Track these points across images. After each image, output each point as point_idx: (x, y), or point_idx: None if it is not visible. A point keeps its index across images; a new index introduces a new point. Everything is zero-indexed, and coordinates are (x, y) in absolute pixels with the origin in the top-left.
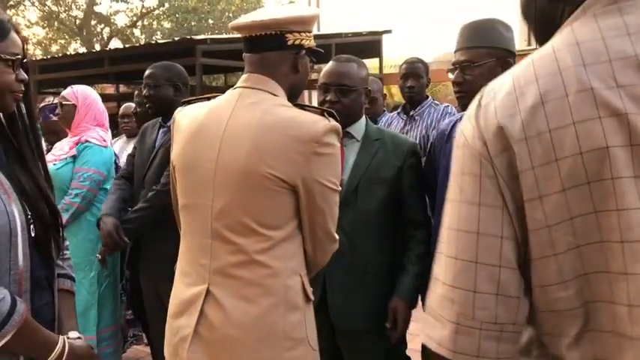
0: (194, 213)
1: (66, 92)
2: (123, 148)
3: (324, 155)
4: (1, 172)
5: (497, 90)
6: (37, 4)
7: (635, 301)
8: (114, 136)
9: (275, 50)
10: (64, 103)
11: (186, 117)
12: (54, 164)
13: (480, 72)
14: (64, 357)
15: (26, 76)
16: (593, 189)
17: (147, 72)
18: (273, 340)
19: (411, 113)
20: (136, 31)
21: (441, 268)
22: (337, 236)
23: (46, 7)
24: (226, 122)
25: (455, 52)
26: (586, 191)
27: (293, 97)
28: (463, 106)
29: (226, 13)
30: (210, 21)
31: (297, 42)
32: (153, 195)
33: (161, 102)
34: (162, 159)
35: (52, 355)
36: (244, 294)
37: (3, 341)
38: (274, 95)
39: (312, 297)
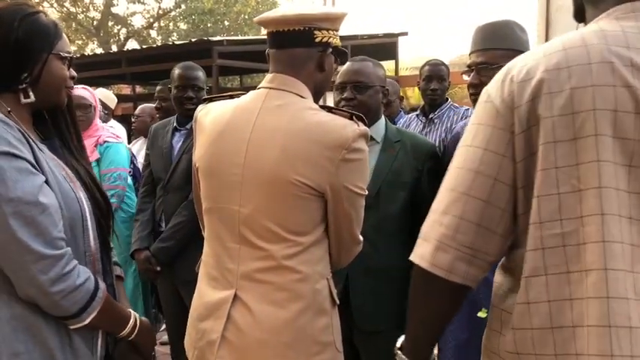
0: (221, 217)
1: (85, 94)
2: (141, 147)
3: (353, 161)
4: (62, 162)
5: (527, 58)
6: (55, 5)
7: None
8: (129, 135)
9: (302, 47)
10: (86, 104)
11: (210, 117)
12: None
13: (495, 74)
14: (136, 330)
15: (75, 74)
16: (599, 141)
17: (187, 72)
18: (301, 344)
19: (430, 116)
20: (153, 33)
21: (438, 201)
22: (362, 238)
23: (65, 8)
24: (253, 125)
25: (470, 53)
26: (592, 143)
27: (317, 96)
28: None
29: (242, 15)
30: (226, 22)
31: (324, 39)
32: (186, 208)
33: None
34: (187, 164)
35: (127, 328)
36: (273, 298)
37: (91, 317)
38: (301, 97)
39: (337, 300)
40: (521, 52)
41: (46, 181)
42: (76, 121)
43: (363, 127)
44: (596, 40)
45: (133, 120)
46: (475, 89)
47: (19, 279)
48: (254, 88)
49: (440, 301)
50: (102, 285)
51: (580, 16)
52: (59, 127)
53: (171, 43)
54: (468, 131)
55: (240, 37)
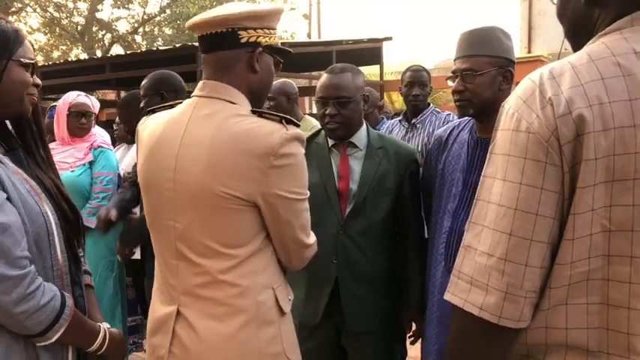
0: (160, 233)
1: (87, 102)
2: (123, 154)
3: (283, 167)
4: (27, 175)
5: (560, 81)
6: (38, 10)
7: None
8: (113, 142)
9: (228, 49)
10: (90, 112)
11: (147, 129)
12: (71, 171)
13: (482, 81)
14: (106, 343)
15: (40, 82)
16: (636, 185)
17: (143, 84)
18: (248, 358)
19: (413, 121)
20: (138, 38)
21: (486, 241)
22: (311, 240)
23: (48, 14)
24: (181, 138)
25: (455, 59)
26: (630, 186)
27: (257, 99)
28: (463, 113)
29: None
30: None
31: (251, 39)
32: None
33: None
34: None
35: (97, 342)
36: (213, 314)
37: (57, 335)
38: (232, 103)
39: (286, 310)
40: (507, 59)
41: (8, 198)
42: (42, 131)
43: (292, 131)
44: (633, 68)
45: (114, 127)
46: (460, 95)
47: None
48: None
49: (499, 349)
50: (69, 302)
51: (593, 2)
52: (24, 137)
53: (155, 49)
54: (509, 163)
55: None
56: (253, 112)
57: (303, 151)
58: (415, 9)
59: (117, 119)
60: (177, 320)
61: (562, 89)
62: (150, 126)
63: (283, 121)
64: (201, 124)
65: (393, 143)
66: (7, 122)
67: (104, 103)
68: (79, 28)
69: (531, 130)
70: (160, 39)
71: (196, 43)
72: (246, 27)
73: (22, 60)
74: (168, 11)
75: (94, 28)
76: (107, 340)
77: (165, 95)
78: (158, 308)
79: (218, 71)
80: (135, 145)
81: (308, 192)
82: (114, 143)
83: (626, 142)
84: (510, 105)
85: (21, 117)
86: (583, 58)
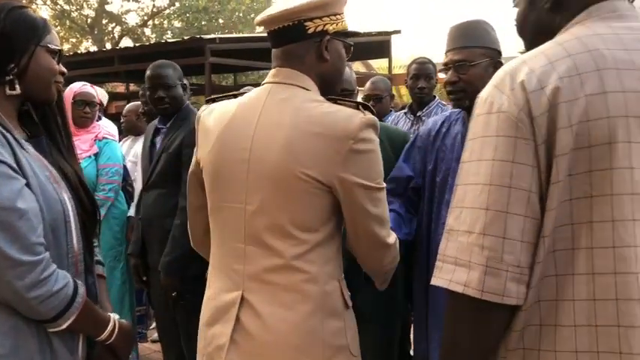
0: (225, 216)
1: (90, 92)
2: (130, 146)
3: (362, 152)
4: (48, 162)
5: (530, 64)
6: (48, 2)
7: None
8: (120, 133)
9: (297, 41)
10: (95, 101)
11: (213, 115)
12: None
13: (475, 71)
14: (115, 334)
15: (65, 70)
16: (614, 148)
17: (155, 72)
18: (312, 348)
19: (418, 114)
20: (147, 31)
21: (466, 220)
22: (391, 239)
23: (58, 6)
24: (257, 120)
25: (447, 52)
26: (606, 150)
27: (330, 86)
28: (458, 105)
29: (236, 13)
30: (221, 20)
31: (318, 29)
32: (178, 217)
33: (177, 102)
34: (165, 163)
35: (106, 332)
36: (281, 300)
37: (68, 322)
38: (306, 90)
39: (350, 303)
40: (496, 50)
41: (27, 184)
42: (66, 119)
43: (370, 116)
44: (597, 44)
45: (121, 120)
46: (454, 86)
47: None
48: (248, 85)
49: (492, 329)
50: (81, 290)
51: (558, 6)
52: (48, 125)
53: (164, 42)
54: (485, 144)
55: (232, 35)
56: (328, 99)
57: (378, 139)
58: (425, 2)
59: (124, 111)
60: (242, 306)
61: (533, 69)
62: (217, 111)
63: (360, 106)
64: (277, 107)
65: (384, 128)
66: (32, 110)
67: (113, 96)
68: (89, 20)
69: (502, 109)
70: (169, 32)
71: (205, 36)
72: (312, 17)
73: (49, 46)
74: (177, 4)
75: (104, 21)
76: (116, 331)
77: (186, 86)
78: (216, 297)
79: (289, 63)
80: (142, 137)
81: (384, 183)
82: (121, 135)
83: (598, 108)
84: (484, 93)
85: (47, 104)
86: (551, 44)
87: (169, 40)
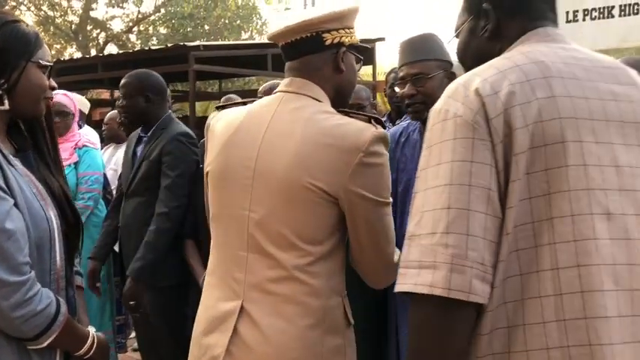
0: (228, 223)
1: (65, 101)
2: (112, 153)
3: (372, 166)
4: (35, 177)
5: (482, 74)
6: (32, 8)
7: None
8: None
9: (314, 53)
10: (66, 111)
11: (222, 121)
12: None
13: (433, 84)
14: (93, 348)
15: (56, 84)
16: (568, 147)
17: (122, 81)
18: None
19: (397, 122)
20: (132, 37)
21: (428, 223)
22: (396, 258)
23: (42, 12)
24: (266, 127)
25: (402, 66)
26: (560, 148)
27: (342, 98)
28: (418, 118)
29: (222, 20)
30: (206, 27)
31: (335, 40)
32: (154, 222)
33: (133, 112)
34: (145, 172)
35: (85, 346)
36: (281, 312)
37: (49, 340)
38: (318, 101)
39: (352, 321)
40: (448, 61)
41: (15, 203)
42: (54, 134)
43: (381, 131)
44: (538, 56)
45: (102, 128)
46: (412, 99)
47: None
48: (234, 92)
49: (459, 332)
50: (63, 308)
51: (496, 34)
52: (36, 138)
53: (147, 49)
54: (442, 149)
55: (217, 42)
56: (339, 111)
57: (388, 154)
58: (408, 11)
59: (105, 119)
60: (241, 317)
61: (485, 78)
62: (226, 118)
63: (372, 120)
64: (288, 117)
65: None
66: (20, 123)
67: (97, 103)
68: (74, 26)
69: (457, 114)
70: (154, 38)
71: (189, 43)
72: (330, 29)
73: (40, 62)
74: (162, 10)
75: (89, 27)
76: (95, 345)
77: (150, 97)
78: (213, 306)
79: (305, 75)
80: (124, 145)
81: (391, 198)
82: (102, 143)
83: (550, 109)
84: (438, 104)
85: (35, 119)
86: (498, 59)
87: (153, 48)
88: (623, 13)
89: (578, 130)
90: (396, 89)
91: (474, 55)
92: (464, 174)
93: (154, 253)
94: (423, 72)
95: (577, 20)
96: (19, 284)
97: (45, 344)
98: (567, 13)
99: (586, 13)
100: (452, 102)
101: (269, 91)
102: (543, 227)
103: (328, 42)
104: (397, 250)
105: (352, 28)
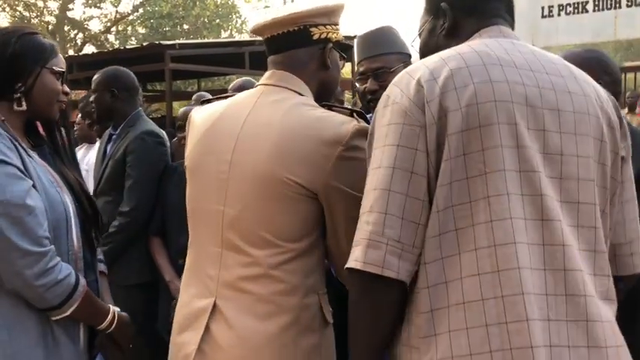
0: (203, 219)
1: None
2: (84, 154)
3: (352, 160)
4: (52, 168)
5: (425, 63)
6: (7, 9)
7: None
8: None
9: (301, 47)
10: None
11: (202, 114)
12: None
13: (394, 78)
14: (114, 324)
15: (69, 90)
16: (502, 129)
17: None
18: None
19: (369, 116)
20: (111, 37)
21: (363, 204)
22: None
23: (17, 13)
24: (244, 120)
25: (361, 61)
26: (495, 130)
27: (326, 94)
28: None
29: (201, 19)
30: (185, 26)
31: (323, 36)
32: (119, 217)
33: (98, 107)
34: (111, 171)
35: (106, 321)
36: (254, 310)
37: (70, 310)
38: (299, 94)
39: (329, 320)
40: (408, 54)
41: (33, 186)
42: (69, 133)
43: (363, 125)
44: (482, 47)
45: (75, 127)
46: (374, 95)
47: (6, 273)
48: (214, 91)
49: (379, 304)
50: (82, 281)
51: (453, 32)
52: (51, 136)
53: (123, 48)
54: (379, 133)
55: (193, 41)
56: (321, 105)
57: None
58: (384, 8)
59: (77, 119)
60: (213, 315)
61: (428, 66)
62: (206, 111)
63: (354, 114)
64: (268, 109)
65: None
66: (39, 123)
67: (73, 104)
68: (50, 27)
69: (396, 101)
70: (133, 38)
71: (164, 42)
72: (317, 23)
73: (54, 68)
74: (141, 10)
75: (66, 28)
76: (115, 321)
77: (116, 93)
78: (190, 302)
79: (289, 69)
80: (97, 144)
81: None
82: (75, 143)
83: (486, 93)
84: (386, 91)
85: (49, 120)
86: (447, 50)
87: (129, 47)
88: (597, 8)
89: (513, 112)
90: (357, 85)
91: (433, 52)
92: (391, 157)
93: (111, 245)
94: (385, 66)
95: (552, 15)
96: (40, 254)
97: (67, 313)
98: (543, 8)
99: (561, 8)
100: (394, 89)
101: (239, 89)
102: (480, 206)
103: (316, 37)
104: None
105: (338, 25)
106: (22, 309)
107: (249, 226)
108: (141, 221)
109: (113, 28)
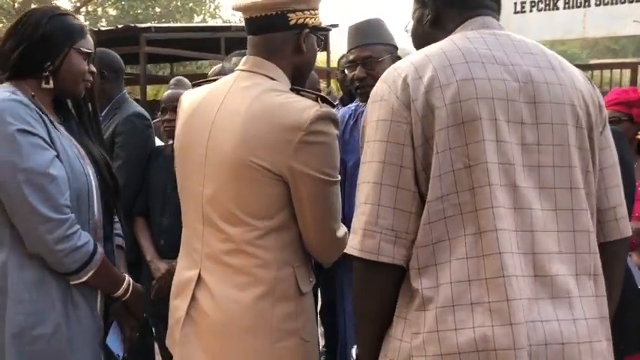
0: (189, 197)
1: None
2: None
3: (313, 144)
4: (76, 141)
5: (411, 60)
6: None
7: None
8: None
9: (277, 31)
10: None
11: (189, 98)
12: None
13: (382, 67)
14: (129, 292)
15: (95, 70)
16: (483, 124)
17: None
18: (261, 330)
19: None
20: (80, 18)
21: (358, 196)
22: (340, 232)
23: None
24: (219, 106)
25: (351, 49)
26: (478, 125)
27: (301, 78)
28: (366, 99)
29: (173, 2)
30: (158, 9)
31: (300, 21)
32: None
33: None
34: None
35: (121, 289)
36: (234, 282)
37: (87, 276)
38: (271, 79)
39: (305, 290)
40: (394, 45)
41: (57, 156)
42: (96, 110)
43: (326, 109)
44: (465, 43)
45: None
46: (362, 82)
47: (28, 237)
48: (185, 76)
49: (379, 287)
50: (100, 249)
51: (436, 23)
52: (79, 113)
53: (97, 29)
54: (369, 128)
55: (169, 25)
56: (292, 89)
57: (337, 132)
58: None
59: None
60: (198, 285)
61: (413, 63)
62: (191, 96)
63: (319, 99)
64: (239, 95)
65: None
66: (68, 100)
67: None
68: (16, 5)
69: (384, 97)
70: (103, 20)
71: (140, 25)
72: (295, 9)
73: (81, 49)
74: None
75: (33, 6)
76: (130, 290)
77: (105, 74)
78: (181, 272)
79: (265, 52)
80: None
81: (339, 176)
82: None
83: (468, 90)
84: (375, 87)
85: (75, 98)
86: (431, 46)
87: (103, 29)
88: (567, 5)
89: (494, 108)
90: (346, 72)
91: (421, 42)
92: (381, 152)
93: None
94: (374, 55)
95: (524, 11)
96: (61, 221)
97: (84, 278)
98: (515, 4)
99: (533, 4)
100: (382, 85)
101: (219, 74)
102: (466, 197)
103: (292, 22)
104: (343, 227)
105: (317, 10)
106: (45, 272)
107: (223, 205)
108: (128, 201)
109: (83, 9)
